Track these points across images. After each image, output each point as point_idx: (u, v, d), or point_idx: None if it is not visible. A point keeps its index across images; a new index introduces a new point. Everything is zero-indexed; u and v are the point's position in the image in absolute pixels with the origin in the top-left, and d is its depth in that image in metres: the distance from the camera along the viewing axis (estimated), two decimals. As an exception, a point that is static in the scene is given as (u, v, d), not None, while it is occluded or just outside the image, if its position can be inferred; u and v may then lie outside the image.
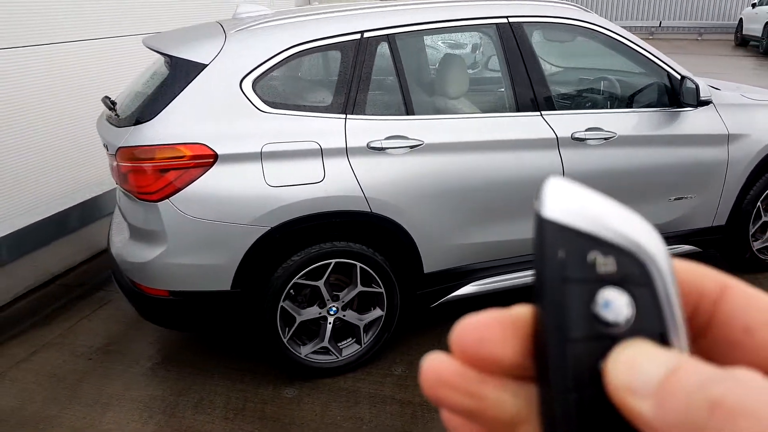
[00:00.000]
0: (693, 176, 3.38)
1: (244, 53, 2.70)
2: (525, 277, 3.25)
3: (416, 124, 2.85)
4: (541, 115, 3.06)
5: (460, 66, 3.18)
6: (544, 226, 0.25)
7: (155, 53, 2.91)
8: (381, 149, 2.78)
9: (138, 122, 2.63)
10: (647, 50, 3.30)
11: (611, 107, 3.26)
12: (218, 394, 2.94)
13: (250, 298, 2.76)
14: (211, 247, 2.67)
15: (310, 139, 2.70)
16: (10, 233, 3.43)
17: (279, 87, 2.79)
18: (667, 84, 3.30)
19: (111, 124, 2.79)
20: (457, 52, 3.16)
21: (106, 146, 2.77)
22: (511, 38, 3.04)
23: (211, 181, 2.58)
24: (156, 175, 2.56)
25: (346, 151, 2.74)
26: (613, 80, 3.43)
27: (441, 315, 3.34)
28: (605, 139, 3.13)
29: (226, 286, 2.72)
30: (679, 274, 0.26)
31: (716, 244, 3.70)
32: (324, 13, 2.90)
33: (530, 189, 3.06)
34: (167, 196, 2.58)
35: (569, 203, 0.25)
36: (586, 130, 3.10)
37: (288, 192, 2.66)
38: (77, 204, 3.88)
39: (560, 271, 0.24)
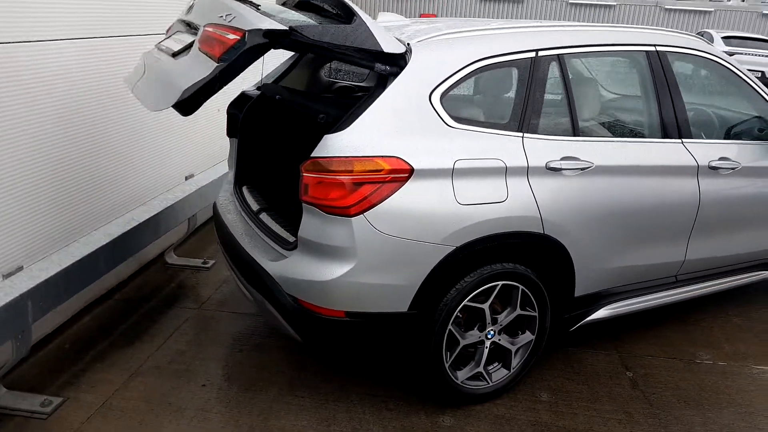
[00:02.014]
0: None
1: (432, 65, 2.58)
2: (650, 300, 3.30)
3: (584, 146, 2.84)
4: (683, 142, 3.15)
5: (619, 89, 3.22)
6: None
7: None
8: (557, 170, 2.74)
9: (333, 130, 2.44)
10: (756, 84, 3.49)
11: (731, 138, 3.40)
12: (372, 423, 2.75)
13: (423, 320, 2.61)
14: (397, 266, 2.51)
15: (496, 157, 2.62)
16: (107, 243, 3.06)
17: (463, 102, 2.68)
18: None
19: None
20: (612, 76, 3.18)
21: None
22: (659, 66, 3.12)
23: (406, 197, 2.44)
24: (351, 188, 2.38)
25: (527, 171, 2.67)
26: (728, 111, 3.58)
27: (561, 338, 3.32)
28: (732, 168, 3.26)
29: (404, 307, 2.57)
30: None
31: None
32: (498, 28, 2.84)
33: (672, 215, 3.13)
34: (362, 212, 2.40)
35: None
36: (719, 159, 3.22)
37: (476, 211, 2.56)
38: (156, 214, 3.53)
39: None
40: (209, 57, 2.28)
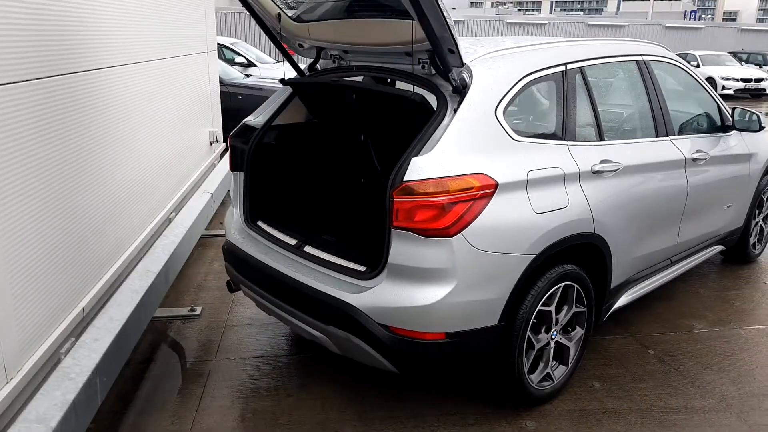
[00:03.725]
0: (734, 187, 4.16)
1: (493, 81, 2.67)
2: (653, 283, 3.65)
3: (612, 149, 3.09)
4: (670, 140, 3.54)
5: (621, 95, 3.51)
6: None
7: None
8: (599, 173, 2.95)
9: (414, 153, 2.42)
10: (706, 85, 4.03)
11: (695, 133, 3.88)
12: (465, 441, 2.74)
13: (508, 330, 2.68)
14: (491, 280, 2.55)
15: (555, 165, 2.77)
16: (139, 301, 2.73)
17: (517, 116, 2.79)
18: (717, 113, 4.06)
19: None
20: (615, 84, 3.48)
21: None
22: (647, 73, 3.50)
23: (494, 212, 2.49)
24: (448, 209, 2.39)
25: (578, 176, 2.85)
26: (689, 110, 4.07)
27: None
28: (704, 159, 3.73)
29: (495, 320, 2.61)
30: None
31: (735, 243, 4.54)
32: (532, 45, 3.00)
33: (671, 204, 3.51)
34: (460, 231, 2.41)
35: None
36: (696, 152, 3.67)
37: (549, 218, 2.68)
38: (166, 261, 3.22)
39: None
40: None
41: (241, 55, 11.66)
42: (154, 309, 3.09)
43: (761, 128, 3.98)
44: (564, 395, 3.09)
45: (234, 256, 3.21)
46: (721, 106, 4.09)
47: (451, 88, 2.60)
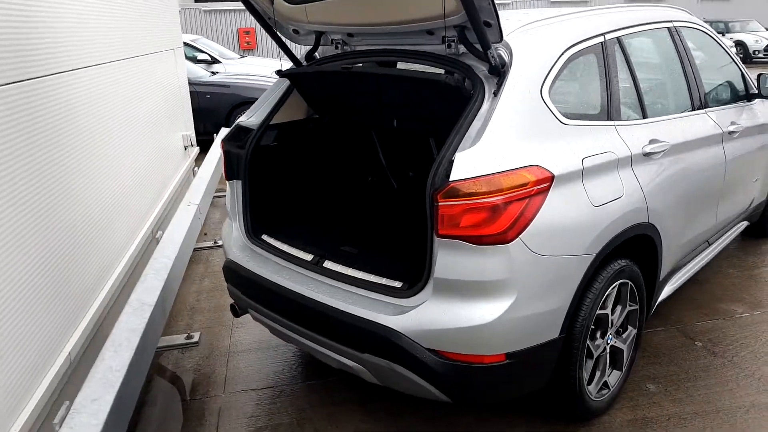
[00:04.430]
0: (761, 159, 3.92)
1: (535, 58, 2.32)
2: (691, 269, 3.38)
3: (658, 127, 2.79)
4: (706, 113, 3.25)
5: (669, 69, 3.19)
6: None
7: None
8: (649, 155, 2.64)
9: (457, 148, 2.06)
10: (732, 53, 3.76)
11: (725, 103, 3.59)
12: (528, 470, 2.42)
13: (569, 342, 2.35)
14: (553, 288, 2.21)
15: (607, 150, 2.44)
16: (139, 341, 2.32)
17: (563, 95, 2.44)
18: (742, 81, 3.79)
19: None
20: (650, 54, 3.15)
21: None
22: (680, 41, 3.20)
23: (551, 209, 2.15)
24: (502, 210, 2.04)
25: (631, 160, 2.54)
26: (718, 79, 3.78)
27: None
28: (738, 132, 3.45)
29: (556, 332, 2.28)
30: None
31: (758, 217, 4.32)
32: (568, 14, 2.66)
33: (711, 182, 3.23)
34: (518, 234, 2.06)
35: None
36: (731, 124, 3.39)
37: (606, 210, 2.36)
38: (162, 290, 2.81)
39: None
40: None
41: (203, 52, 11.04)
42: (154, 347, 2.67)
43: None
44: (620, 403, 2.80)
45: (238, 276, 2.81)
46: (745, 74, 3.83)
47: (486, 69, 2.25)
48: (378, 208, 3.46)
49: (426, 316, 2.15)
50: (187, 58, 10.22)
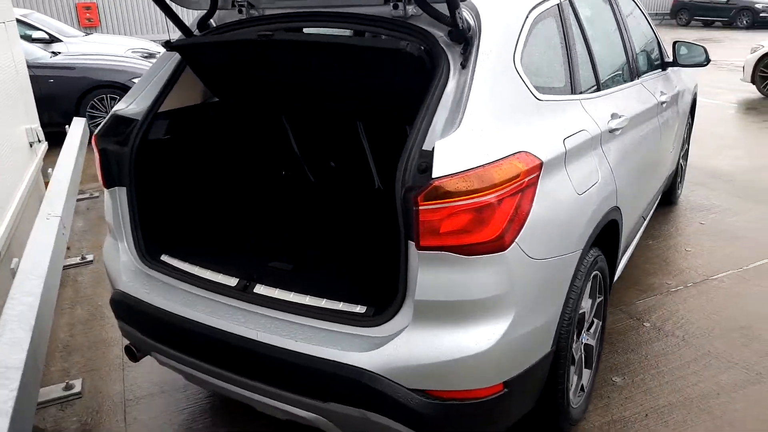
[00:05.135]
0: (677, 128, 3.88)
1: (502, 21, 1.91)
2: (633, 244, 3.24)
3: (612, 100, 2.52)
4: (642, 83, 3.08)
5: (612, 34, 2.89)
6: None
7: None
8: (613, 131, 2.37)
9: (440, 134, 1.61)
10: (648, 17, 3.63)
11: (649, 72, 3.43)
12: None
13: (558, 353, 2.02)
14: (547, 298, 1.86)
15: (582, 128, 2.12)
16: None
17: (533, 65, 2.03)
18: (658, 48, 3.70)
19: None
20: (594, 18, 2.84)
21: None
22: (615, 5, 2.96)
23: (542, 203, 1.77)
24: (495, 209, 1.62)
25: (600, 139, 2.24)
26: (636, 45, 3.62)
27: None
28: (666, 102, 3.33)
29: (548, 346, 1.94)
30: None
31: (668, 186, 4.34)
32: None
33: (652, 154, 3.07)
34: (514, 239, 1.67)
35: None
36: (661, 94, 3.26)
37: (589, 198, 2.05)
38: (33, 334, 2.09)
39: None
40: None
41: (38, 29, 9.52)
42: (33, 411, 1.96)
43: (708, 62, 3.69)
44: (593, 403, 2.56)
45: (133, 312, 2.17)
46: (660, 41, 3.74)
47: (445, 35, 1.81)
48: (300, 208, 2.92)
49: (406, 349, 1.69)
50: (21, 37, 8.73)
